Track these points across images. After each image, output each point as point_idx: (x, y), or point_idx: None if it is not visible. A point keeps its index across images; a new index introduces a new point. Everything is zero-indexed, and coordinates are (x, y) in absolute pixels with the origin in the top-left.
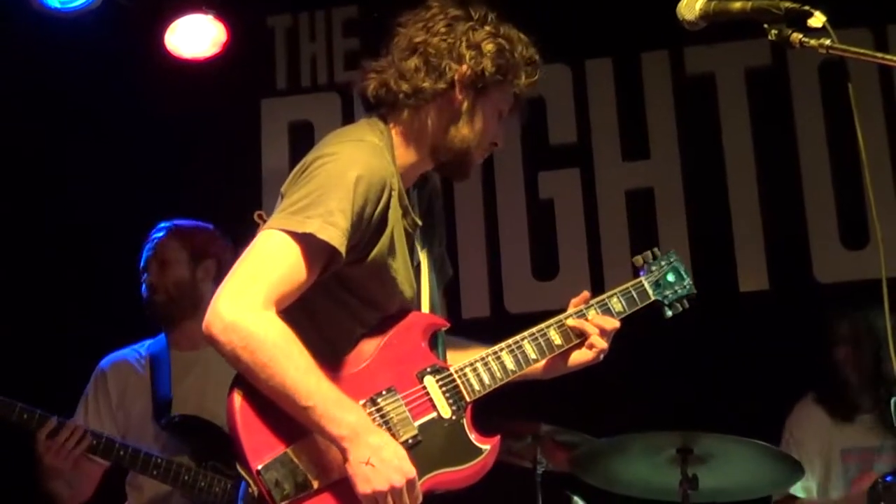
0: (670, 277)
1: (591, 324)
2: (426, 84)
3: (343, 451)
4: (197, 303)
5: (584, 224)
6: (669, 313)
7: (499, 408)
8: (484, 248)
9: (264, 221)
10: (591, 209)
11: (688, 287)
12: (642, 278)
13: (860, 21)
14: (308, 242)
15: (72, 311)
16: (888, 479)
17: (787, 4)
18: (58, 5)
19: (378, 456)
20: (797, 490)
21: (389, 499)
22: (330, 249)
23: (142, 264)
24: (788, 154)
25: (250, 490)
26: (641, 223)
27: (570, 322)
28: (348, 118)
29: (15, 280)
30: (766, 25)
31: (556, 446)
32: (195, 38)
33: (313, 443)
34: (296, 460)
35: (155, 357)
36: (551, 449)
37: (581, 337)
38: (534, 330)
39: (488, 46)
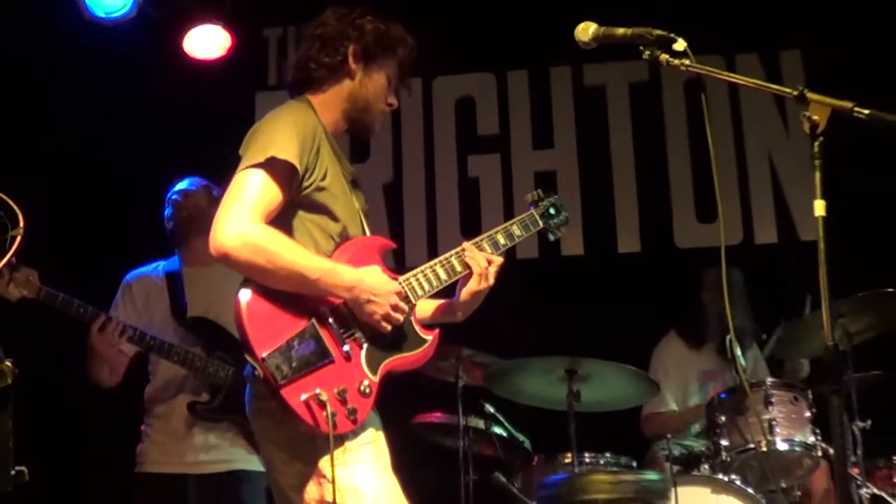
0: (552, 211)
1: (476, 260)
2: (327, 59)
3: (350, 301)
4: (207, 226)
5: (501, 197)
6: (551, 238)
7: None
8: (424, 214)
9: None
10: (507, 186)
11: (564, 218)
12: (533, 210)
13: (715, 49)
14: (271, 165)
15: (106, 235)
16: (723, 396)
17: (657, 32)
18: (102, 15)
19: (375, 291)
20: (665, 405)
21: (391, 312)
22: (289, 167)
23: (170, 196)
24: (659, 149)
25: (256, 373)
26: None
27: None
28: None
29: (69, 220)
30: (641, 48)
31: (474, 365)
32: (207, 43)
33: (304, 336)
34: (292, 350)
35: (170, 273)
36: (470, 367)
37: (469, 269)
38: (451, 253)
39: (369, 27)
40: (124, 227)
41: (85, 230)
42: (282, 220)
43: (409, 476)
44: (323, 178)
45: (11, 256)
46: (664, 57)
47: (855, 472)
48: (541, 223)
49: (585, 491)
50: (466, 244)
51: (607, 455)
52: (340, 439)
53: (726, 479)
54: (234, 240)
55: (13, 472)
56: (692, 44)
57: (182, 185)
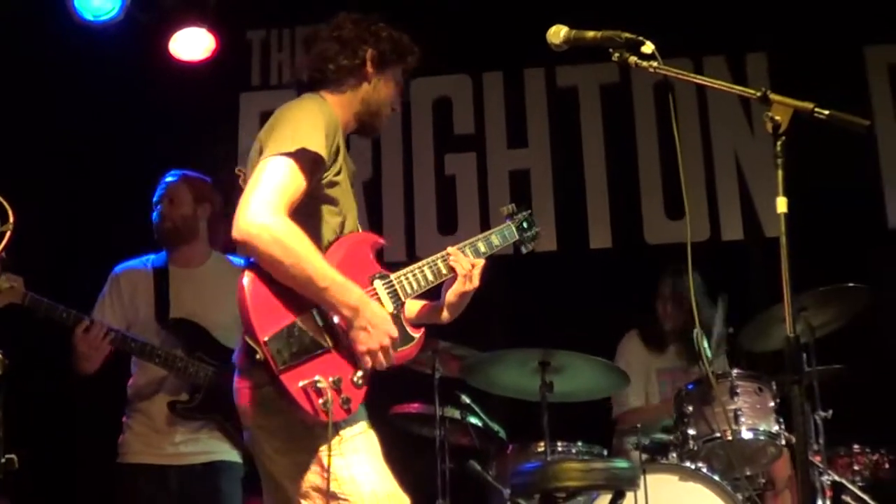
0: (525, 224)
1: (461, 264)
2: (346, 62)
3: (347, 320)
4: (195, 233)
5: (477, 194)
6: (524, 250)
7: None
8: (402, 210)
9: (242, 174)
10: (482, 183)
11: (535, 233)
12: (510, 223)
13: (683, 52)
14: (300, 155)
15: (95, 231)
16: (690, 387)
17: (626, 35)
18: (90, 17)
19: (373, 322)
20: (633, 401)
21: (380, 354)
22: (317, 157)
23: (156, 199)
24: (629, 148)
25: (257, 356)
26: (520, 195)
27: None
28: None
29: (56, 218)
30: (611, 50)
31: (451, 357)
32: (192, 45)
33: (304, 323)
34: (292, 336)
35: (158, 269)
36: (446, 359)
37: (453, 272)
38: (437, 255)
39: (384, 34)
40: (110, 225)
41: (71, 228)
42: (300, 212)
43: (387, 463)
44: (338, 174)
45: (1, 252)
46: (633, 59)
47: (817, 459)
48: (517, 235)
49: (557, 478)
50: (451, 248)
51: (579, 444)
52: (336, 428)
53: (693, 466)
54: (258, 227)
55: (3, 460)
56: (661, 47)
57: (166, 186)
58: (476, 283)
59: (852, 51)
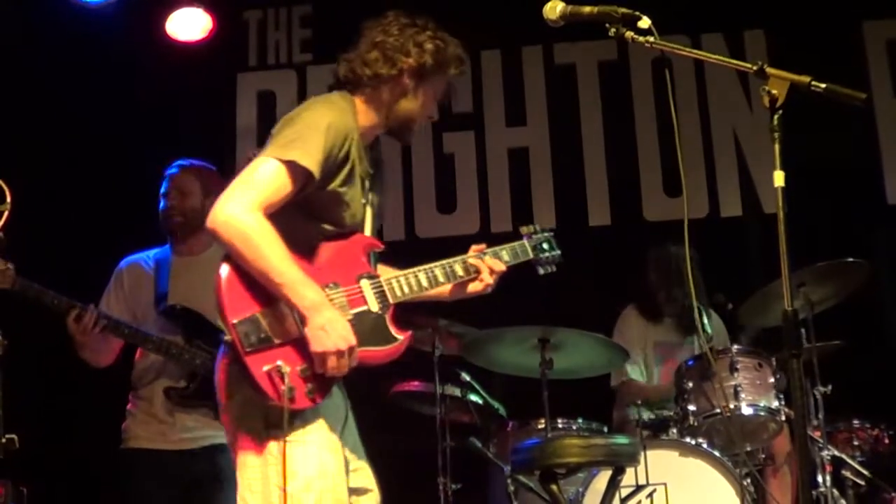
0: (545, 246)
1: (485, 264)
2: (383, 71)
3: (303, 319)
4: (201, 224)
5: (475, 173)
6: (541, 271)
7: (407, 308)
8: (401, 189)
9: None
10: (481, 162)
11: (556, 256)
12: (525, 241)
13: (681, 29)
14: (292, 166)
15: (103, 227)
16: (689, 363)
17: (622, 10)
18: None
19: (330, 325)
20: (632, 373)
21: (334, 358)
22: (307, 173)
23: (164, 190)
24: (628, 125)
25: (226, 337)
26: (518, 174)
27: (471, 261)
28: (302, 90)
29: (52, 202)
30: (607, 25)
31: (450, 335)
32: (188, 25)
33: (276, 312)
34: (261, 322)
35: (159, 261)
36: (446, 337)
37: (476, 273)
38: (444, 261)
39: (429, 45)
40: (104, 208)
41: (65, 210)
42: (286, 212)
43: (388, 442)
44: (342, 185)
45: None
46: (629, 34)
47: (816, 435)
48: (531, 254)
49: (557, 455)
50: (487, 250)
51: (579, 421)
52: (291, 416)
53: (693, 442)
54: (227, 219)
55: (3, 440)
56: (659, 24)
57: (176, 177)
58: (492, 286)
59: (851, 26)
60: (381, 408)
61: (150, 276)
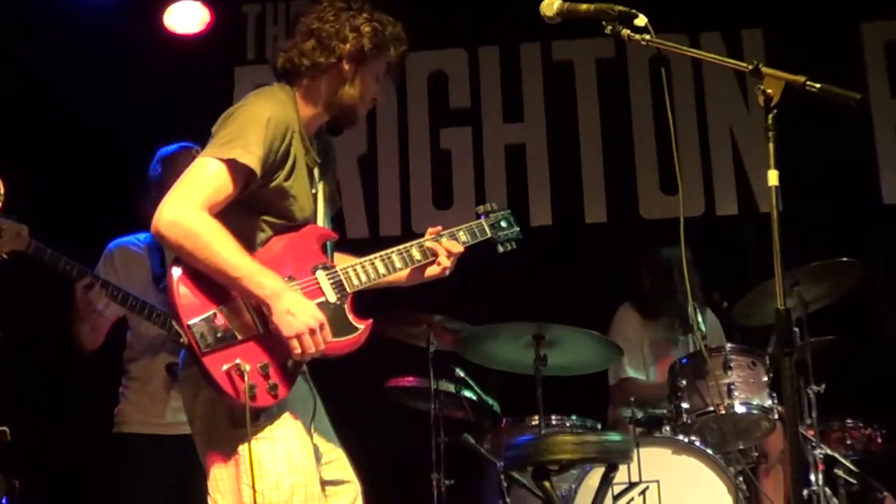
0: (503, 224)
1: (442, 247)
2: (321, 59)
3: (267, 308)
4: None
5: (472, 169)
6: (500, 249)
7: (402, 304)
8: (398, 185)
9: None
10: (478, 158)
11: (515, 233)
12: (482, 220)
13: (679, 28)
14: (232, 165)
15: (100, 220)
16: (684, 361)
17: (619, 8)
18: None
19: (296, 307)
20: (631, 371)
21: (307, 337)
22: (248, 171)
23: (159, 171)
24: (624, 122)
25: (182, 340)
26: (515, 170)
27: (428, 244)
28: None
29: (51, 191)
30: (604, 23)
31: (445, 331)
32: (187, 18)
33: (231, 310)
34: (217, 321)
35: (150, 243)
36: (441, 333)
37: (434, 256)
38: (401, 247)
39: (365, 28)
40: (104, 199)
41: (66, 202)
42: (233, 210)
43: (382, 437)
44: (286, 178)
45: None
46: (625, 32)
47: (809, 433)
48: (489, 233)
49: (550, 451)
50: (444, 231)
51: (573, 418)
52: (256, 414)
53: (686, 440)
54: (173, 220)
55: None
56: (658, 22)
57: (173, 156)
58: (449, 268)
59: (849, 27)
60: (374, 403)
61: (141, 256)
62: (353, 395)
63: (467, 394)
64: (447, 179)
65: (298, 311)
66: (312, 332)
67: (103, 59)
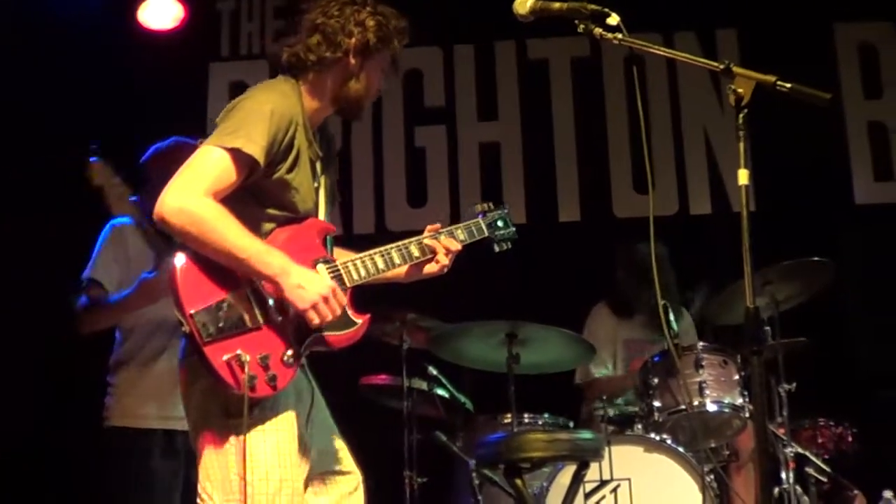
0: (500, 223)
1: (440, 244)
2: (327, 54)
3: (277, 286)
4: None
5: (447, 167)
6: (497, 249)
7: (377, 300)
8: (372, 183)
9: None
10: (453, 156)
11: (511, 233)
12: (480, 219)
13: (654, 27)
14: (236, 154)
15: (74, 217)
16: (656, 359)
17: (592, 7)
18: None
19: (304, 280)
20: (597, 373)
21: (322, 305)
22: (251, 160)
23: (154, 162)
24: (599, 122)
25: (183, 328)
26: (489, 169)
27: (427, 241)
28: None
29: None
30: (576, 21)
31: (418, 329)
32: (161, 14)
33: (234, 301)
34: (219, 311)
35: (145, 228)
36: (414, 331)
37: (432, 253)
38: (400, 243)
39: (370, 22)
40: (74, 195)
41: (34, 199)
42: (237, 201)
43: (355, 435)
44: (289, 171)
45: None
46: (598, 31)
47: (780, 432)
48: (486, 232)
49: (522, 449)
50: (442, 230)
51: (546, 416)
52: (251, 405)
53: (658, 438)
54: (176, 209)
55: None
56: (632, 22)
57: (167, 148)
58: (447, 266)
59: (822, 28)
60: (347, 400)
61: (140, 237)
62: (326, 392)
63: (440, 392)
64: (422, 177)
65: (308, 283)
66: (326, 299)
67: (77, 54)
